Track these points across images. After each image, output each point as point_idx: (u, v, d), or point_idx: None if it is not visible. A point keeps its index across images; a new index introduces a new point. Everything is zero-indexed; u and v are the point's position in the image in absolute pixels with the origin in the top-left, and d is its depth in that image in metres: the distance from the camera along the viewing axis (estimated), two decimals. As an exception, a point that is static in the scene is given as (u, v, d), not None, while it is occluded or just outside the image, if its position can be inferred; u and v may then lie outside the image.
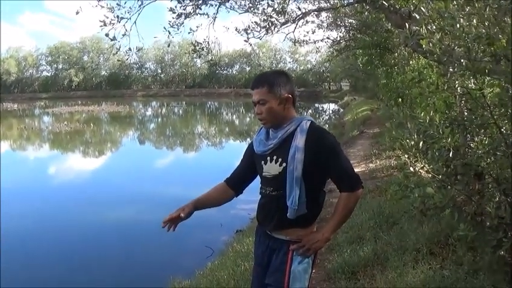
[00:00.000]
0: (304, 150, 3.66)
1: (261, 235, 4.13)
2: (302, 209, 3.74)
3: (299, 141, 3.69)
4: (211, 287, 7.67)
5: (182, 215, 4.14)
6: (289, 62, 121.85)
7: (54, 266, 11.42)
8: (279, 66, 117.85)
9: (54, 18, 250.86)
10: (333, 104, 74.51)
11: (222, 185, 4.40)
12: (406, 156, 5.34)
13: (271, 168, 3.86)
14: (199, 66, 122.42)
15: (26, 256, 12.13)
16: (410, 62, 14.76)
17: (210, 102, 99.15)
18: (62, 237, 13.64)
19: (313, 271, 4.05)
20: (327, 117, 53.77)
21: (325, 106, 75.09)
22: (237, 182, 4.29)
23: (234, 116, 68.91)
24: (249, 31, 13.81)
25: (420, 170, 5.55)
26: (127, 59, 14.61)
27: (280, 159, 3.80)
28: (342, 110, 56.48)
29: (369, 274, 6.78)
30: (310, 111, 64.61)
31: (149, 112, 78.77)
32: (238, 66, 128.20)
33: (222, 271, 8.23)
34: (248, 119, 61.54)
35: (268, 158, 3.89)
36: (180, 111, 78.82)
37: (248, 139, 36.51)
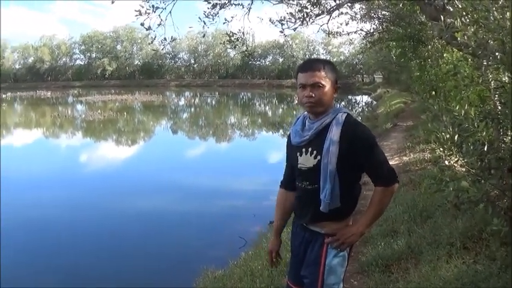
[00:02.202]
0: (338, 143, 3.62)
1: (298, 227, 4.11)
2: (336, 203, 3.71)
3: (334, 134, 3.64)
4: (244, 277, 7.64)
5: (275, 250, 4.41)
6: (322, 54, 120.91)
7: (85, 254, 11.47)
8: (312, 57, 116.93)
9: (85, 6, 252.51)
10: (366, 96, 74.09)
11: (282, 193, 4.37)
12: (441, 149, 5.29)
13: (306, 160, 3.83)
14: (232, 56, 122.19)
15: (57, 245, 12.23)
16: (444, 55, 14.65)
17: (242, 93, 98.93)
18: (93, 226, 13.73)
19: (348, 264, 4.01)
20: (360, 110, 53.50)
21: (358, 98, 74.70)
22: (292, 182, 4.19)
23: (267, 107, 68.67)
24: (283, 22, 13.77)
25: (455, 164, 5.51)
26: (162, 49, 14.65)
27: (315, 152, 3.76)
28: (375, 102, 56.02)
29: (402, 267, 6.76)
30: (343, 103, 64.35)
31: (182, 102, 78.59)
32: (271, 57, 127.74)
33: (255, 261, 8.24)
34: (281, 110, 61.46)
35: (304, 149, 3.86)
36: (213, 102, 78.87)
37: (281, 130, 36.50)
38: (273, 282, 7.01)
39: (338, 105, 3.92)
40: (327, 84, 3.73)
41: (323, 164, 3.67)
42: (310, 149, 3.81)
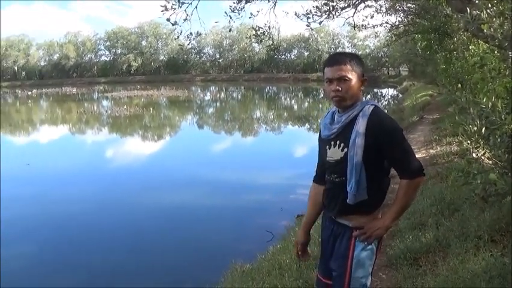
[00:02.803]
0: (364, 135, 3.62)
1: (327, 220, 4.12)
2: (362, 195, 3.72)
3: (360, 126, 3.65)
4: (273, 271, 7.63)
5: (301, 243, 4.43)
6: (347, 47, 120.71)
7: (112, 249, 11.59)
8: (338, 50, 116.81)
9: (108, 3, 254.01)
10: (392, 89, 73.81)
11: (314, 187, 4.35)
12: (468, 142, 5.28)
13: (334, 153, 3.84)
14: (257, 51, 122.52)
15: (84, 240, 12.30)
16: (470, 47, 14.60)
17: (268, 87, 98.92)
18: (120, 221, 13.84)
19: (376, 257, 4.02)
20: (385, 103, 53.30)
21: (384, 91, 74.40)
22: (324, 176, 4.16)
23: (293, 101, 68.52)
24: (309, 16, 13.78)
25: (482, 157, 5.49)
26: (188, 44, 14.71)
27: (342, 144, 3.77)
28: (400, 95, 55.80)
29: (430, 260, 6.74)
30: (368, 96, 64.26)
31: (208, 97, 78.72)
32: (296, 51, 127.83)
33: (284, 255, 8.21)
34: (306, 103, 61.37)
35: (332, 142, 3.87)
36: (239, 96, 79.15)
37: (307, 124, 36.48)
38: (302, 276, 6.99)
39: (364, 99, 3.92)
40: (354, 78, 3.74)
41: (349, 156, 3.68)
42: (338, 142, 3.82)
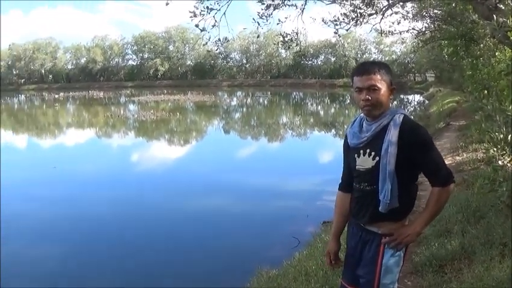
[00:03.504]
0: (397, 144, 3.65)
1: (354, 227, 4.14)
2: (394, 203, 3.74)
3: (392, 135, 3.68)
4: (299, 277, 7.63)
5: (333, 252, 4.43)
6: (374, 53, 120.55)
7: (138, 254, 11.59)
8: (364, 56, 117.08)
9: (133, 7, 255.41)
10: (418, 95, 73.29)
11: (340, 196, 4.37)
12: (495, 149, 5.30)
13: (365, 161, 3.87)
14: (284, 56, 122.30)
15: (110, 242, 12.41)
16: (497, 54, 14.58)
17: (295, 93, 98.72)
18: (146, 225, 13.84)
19: (403, 264, 4.03)
20: (412, 109, 53.05)
21: (410, 97, 73.95)
22: (350, 184, 4.20)
23: (319, 107, 68.40)
24: (337, 23, 13.82)
25: (508, 164, 5.50)
26: (216, 50, 14.79)
27: (373, 153, 3.80)
28: (427, 101, 55.45)
29: (456, 268, 6.73)
30: (395, 102, 64.11)
31: (234, 102, 78.68)
32: (323, 57, 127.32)
33: (310, 261, 8.20)
34: (333, 109, 61.25)
35: (362, 151, 3.90)
36: (265, 101, 78.93)
37: (333, 130, 36.44)
38: (328, 282, 7.01)
39: (390, 105, 3.94)
40: (383, 87, 3.77)
41: (382, 165, 3.72)
42: (368, 150, 3.85)
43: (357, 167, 3.95)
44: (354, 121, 4.09)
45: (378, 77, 3.77)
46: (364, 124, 3.96)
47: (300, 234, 11.63)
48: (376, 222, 3.90)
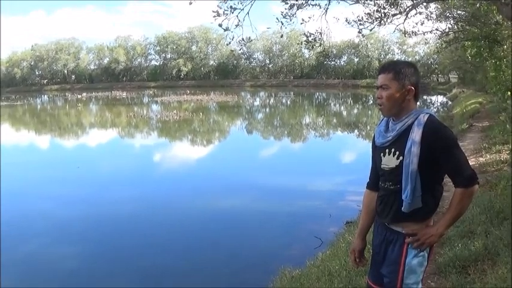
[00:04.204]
0: (420, 144, 3.65)
1: (379, 226, 4.15)
2: (417, 203, 3.75)
3: (416, 134, 3.67)
4: (322, 277, 7.62)
5: (357, 250, 4.44)
6: (397, 54, 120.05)
7: (162, 251, 11.68)
8: (387, 57, 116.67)
9: (156, 7, 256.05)
10: (441, 96, 72.83)
11: (367, 194, 4.39)
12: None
13: (389, 160, 3.88)
14: (307, 56, 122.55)
15: (134, 241, 12.47)
16: (520, 55, 14.54)
17: (317, 93, 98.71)
18: (169, 224, 13.90)
19: (427, 265, 4.00)
20: (435, 110, 52.76)
21: (434, 98, 73.48)
22: (377, 183, 4.21)
23: (342, 107, 68.27)
24: (361, 23, 13.82)
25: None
26: (240, 50, 14.81)
27: (397, 152, 3.81)
28: (450, 102, 55.11)
29: (479, 269, 6.69)
30: (418, 103, 63.67)
31: (257, 102, 78.81)
32: (346, 57, 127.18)
33: (333, 261, 8.19)
34: (356, 110, 61.10)
35: (387, 150, 3.91)
36: (288, 102, 78.93)
37: (356, 131, 36.40)
38: (351, 282, 7.01)
39: (416, 106, 3.95)
40: (394, 86, 3.81)
41: (405, 165, 3.72)
42: (393, 150, 3.86)
43: (382, 166, 3.97)
44: (382, 120, 4.12)
45: (390, 76, 3.82)
46: (390, 123, 3.98)
47: (322, 234, 11.64)
48: (399, 222, 3.90)
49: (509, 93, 14.34)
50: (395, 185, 3.86)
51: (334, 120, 48.07)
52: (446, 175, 3.89)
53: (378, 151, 4.05)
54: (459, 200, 3.76)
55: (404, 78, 3.83)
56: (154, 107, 65.40)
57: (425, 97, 71.87)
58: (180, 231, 13.27)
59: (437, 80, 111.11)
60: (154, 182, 19.71)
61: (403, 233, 3.90)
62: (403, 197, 3.75)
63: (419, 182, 3.71)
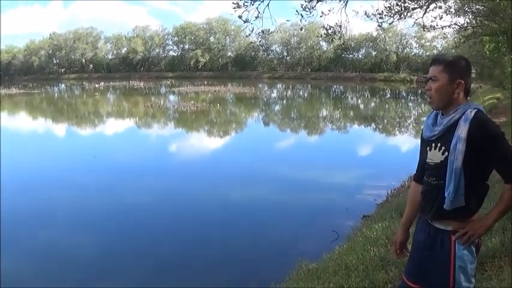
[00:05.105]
0: (466, 141, 3.58)
1: (423, 223, 4.08)
2: (460, 201, 3.68)
3: (462, 131, 3.60)
4: (339, 271, 7.59)
5: (400, 241, 4.43)
6: (415, 48, 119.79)
7: (177, 242, 11.75)
8: (405, 51, 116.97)
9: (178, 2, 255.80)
10: (459, 91, 72.70)
11: (414, 186, 4.33)
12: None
13: (435, 155, 3.83)
14: (325, 49, 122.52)
15: (149, 231, 12.57)
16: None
17: (335, 86, 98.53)
18: (185, 215, 13.99)
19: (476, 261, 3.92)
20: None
21: (451, 93, 73.47)
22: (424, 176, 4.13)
23: (359, 101, 68.11)
24: (381, 16, 13.81)
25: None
26: (260, 41, 14.81)
27: (443, 148, 3.75)
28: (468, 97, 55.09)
29: (496, 265, 6.66)
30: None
31: (274, 94, 79.01)
32: (364, 50, 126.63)
33: (350, 255, 8.17)
34: (373, 104, 60.92)
35: (433, 144, 3.86)
36: (305, 94, 78.96)
37: (373, 124, 36.34)
38: (368, 277, 6.98)
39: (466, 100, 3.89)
40: (443, 79, 3.74)
41: (449, 161, 3.66)
42: (439, 145, 3.80)
43: (427, 160, 3.93)
44: (431, 113, 4.05)
45: (440, 68, 3.75)
46: (438, 117, 3.91)
47: (339, 227, 11.64)
48: (441, 219, 3.85)
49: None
50: (438, 180, 3.80)
51: (351, 114, 47.93)
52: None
53: (424, 144, 4.01)
54: (509, 195, 3.70)
55: (455, 72, 3.76)
56: (172, 97, 65.71)
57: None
58: (196, 222, 13.31)
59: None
60: (171, 173, 19.80)
61: (448, 230, 3.83)
62: (446, 194, 3.70)
63: (463, 179, 3.65)
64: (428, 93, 3.83)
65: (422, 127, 4.19)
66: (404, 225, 4.41)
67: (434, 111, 3.99)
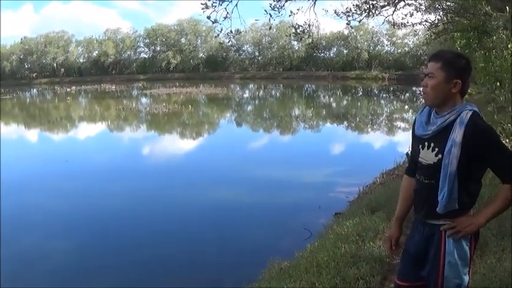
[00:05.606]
0: (461, 145, 3.54)
1: (418, 223, 4.03)
2: (453, 205, 3.66)
3: (457, 134, 3.56)
4: (311, 269, 7.57)
5: (394, 237, 4.36)
6: (386, 45, 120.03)
7: (151, 244, 11.73)
8: (377, 49, 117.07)
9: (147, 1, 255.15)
10: (431, 87, 73.24)
11: (406, 180, 4.31)
12: (507, 140, 5.29)
13: (427, 155, 3.79)
14: (296, 48, 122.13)
15: (123, 235, 12.56)
16: (509, 46, 14.54)
17: (307, 85, 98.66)
18: (158, 217, 13.99)
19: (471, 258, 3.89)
20: (423, 101, 52.96)
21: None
22: (416, 170, 4.09)
23: (331, 99, 68.29)
24: (349, 14, 13.85)
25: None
26: (228, 42, 14.81)
27: (437, 149, 3.71)
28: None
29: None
30: (407, 94, 64.10)
31: (246, 94, 79.19)
32: (335, 49, 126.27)
33: (321, 253, 8.16)
34: (345, 101, 61.17)
35: (426, 143, 3.81)
36: (277, 94, 78.97)
37: (345, 122, 36.53)
38: (340, 274, 6.98)
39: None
40: (440, 76, 3.69)
41: (443, 165, 3.63)
42: (432, 145, 3.77)
43: (419, 159, 3.90)
44: (424, 108, 4.02)
45: (438, 65, 3.71)
46: (432, 115, 3.88)
47: (311, 225, 11.68)
48: (433, 218, 3.81)
49: (498, 83, 14.37)
50: (430, 180, 3.78)
51: (324, 112, 48.10)
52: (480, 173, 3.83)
53: (416, 141, 3.97)
54: (505, 196, 3.69)
55: (453, 70, 3.72)
56: (144, 99, 65.30)
57: (414, 88, 72.05)
58: (168, 224, 13.36)
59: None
60: (144, 175, 19.75)
61: (439, 224, 3.79)
62: (439, 198, 3.66)
63: (457, 183, 3.63)
64: (424, 89, 3.80)
65: (413, 119, 4.17)
66: (398, 220, 4.38)
67: (427, 108, 3.96)
